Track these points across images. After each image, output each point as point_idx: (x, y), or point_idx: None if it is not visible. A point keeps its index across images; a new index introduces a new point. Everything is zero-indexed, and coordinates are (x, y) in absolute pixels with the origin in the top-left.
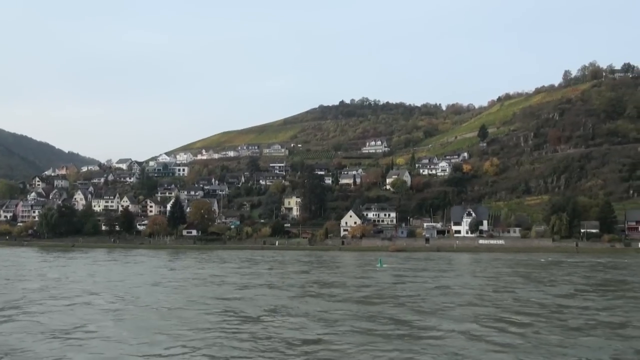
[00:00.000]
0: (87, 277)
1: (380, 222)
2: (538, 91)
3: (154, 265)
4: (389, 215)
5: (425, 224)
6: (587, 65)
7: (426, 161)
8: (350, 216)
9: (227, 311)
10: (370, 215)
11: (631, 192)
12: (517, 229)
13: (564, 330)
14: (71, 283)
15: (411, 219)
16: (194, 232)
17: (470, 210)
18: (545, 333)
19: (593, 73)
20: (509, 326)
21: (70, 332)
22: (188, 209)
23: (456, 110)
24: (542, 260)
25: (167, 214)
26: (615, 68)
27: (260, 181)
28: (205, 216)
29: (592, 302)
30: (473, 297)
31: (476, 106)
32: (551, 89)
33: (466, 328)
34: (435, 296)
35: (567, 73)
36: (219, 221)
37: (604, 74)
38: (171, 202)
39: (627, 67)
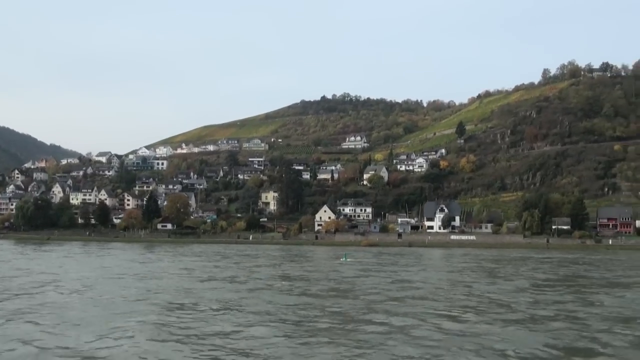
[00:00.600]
0: (55, 269)
1: (357, 217)
2: (517, 89)
3: (124, 259)
4: (365, 210)
5: (399, 219)
6: (566, 64)
7: (404, 157)
8: (325, 211)
9: (178, 304)
10: (347, 210)
11: (606, 189)
12: (489, 225)
13: (503, 324)
14: (37, 274)
15: (387, 214)
16: (169, 226)
17: (443, 206)
18: (484, 326)
19: (572, 72)
20: (448, 320)
21: (13, 320)
22: (165, 203)
23: (437, 107)
24: (511, 255)
25: (143, 207)
26: (594, 67)
27: (239, 175)
28: (181, 210)
29: (544, 296)
30: (427, 292)
31: (457, 103)
32: (530, 87)
33: (401, 322)
34: (390, 290)
35: (546, 71)
36: (195, 215)
37: (582, 73)
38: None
39: (606, 67)
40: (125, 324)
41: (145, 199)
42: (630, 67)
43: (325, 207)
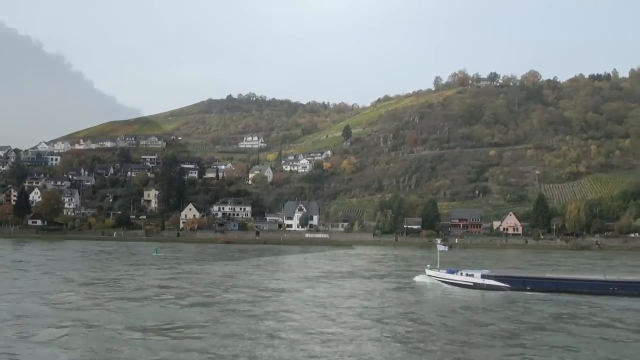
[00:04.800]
0: None
1: (236, 216)
2: (410, 95)
3: None
4: (245, 209)
5: (268, 218)
6: (456, 72)
7: (291, 158)
8: (190, 209)
9: None
10: (226, 209)
11: (477, 192)
12: (345, 224)
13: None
14: None
15: (266, 213)
16: (39, 222)
17: (302, 205)
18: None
19: (461, 80)
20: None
21: None
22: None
23: (341, 110)
24: (352, 252)
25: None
26: (482, 76)
27: (128, 173)
28: (55, 206)
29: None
30: (173, 282)
31: (360, 106)
32: (424, 93)
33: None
34: (137, 281)
35: (437, 79)
36: (77, 212)
37: (470, 82)
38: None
39: (493, 76)
40: None
41: (31, 194)
42: (518, 78)
43: (190, 206)
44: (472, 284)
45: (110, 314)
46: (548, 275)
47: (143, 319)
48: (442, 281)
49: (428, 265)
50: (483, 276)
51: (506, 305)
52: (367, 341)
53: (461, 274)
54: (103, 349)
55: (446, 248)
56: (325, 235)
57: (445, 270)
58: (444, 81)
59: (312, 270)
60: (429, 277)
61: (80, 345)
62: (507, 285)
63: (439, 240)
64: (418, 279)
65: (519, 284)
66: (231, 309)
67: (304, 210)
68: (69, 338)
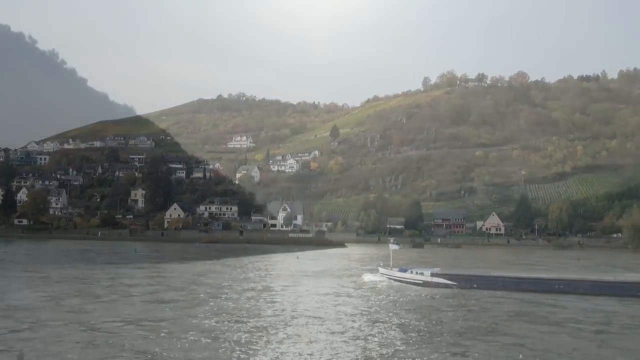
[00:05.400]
0: None
1: (222, 216)
2: (399, 95)
3: None
4: (231, 209)
5: (253, 218)
6: (445, 73)
7: (279, 158)
8: (175, 209)
9: None
10: (213, 208)
11: (462, 192)
12: (329, 224)
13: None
14: None
15: (252, 213)
16: (25, 222)
17: (286, 205)
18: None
19: (449, 81)
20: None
21: None
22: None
23: (331, 110)
24: (331, 252)
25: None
26: (470, 77)
27: (116, 172)
28: (41, 206)
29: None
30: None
31: (350, 106)
32: (413, 93)
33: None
34: (108, 279)
35: (426, 79)
36: (64, 211)
37: (458, 82)
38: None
39: (482, 77)
40: None
41: (19, 194)
42: (507, 79)
43: (175, 205)
44: (421, 281)
45: (67, 313)
46: (494, 273)
47: (98, 317)
48: (393, 279)
49: (381, 264)
50: (432, 274)
51: (450, 302)
52: (311, 340)
53: (412, 272)
54: (50, 350)
55: (398, 247)
56: (309, 235)
57: (397, 269)
58: (432, 82)
59: (287, 270)
60: (381, 275)
61: (24, 345)
62: (454, 283)
63: (391, 240)
64: (369, 277)
65: (466, 282)
66: (190, 306)
67: (288, 210)
68: (16, 337)
